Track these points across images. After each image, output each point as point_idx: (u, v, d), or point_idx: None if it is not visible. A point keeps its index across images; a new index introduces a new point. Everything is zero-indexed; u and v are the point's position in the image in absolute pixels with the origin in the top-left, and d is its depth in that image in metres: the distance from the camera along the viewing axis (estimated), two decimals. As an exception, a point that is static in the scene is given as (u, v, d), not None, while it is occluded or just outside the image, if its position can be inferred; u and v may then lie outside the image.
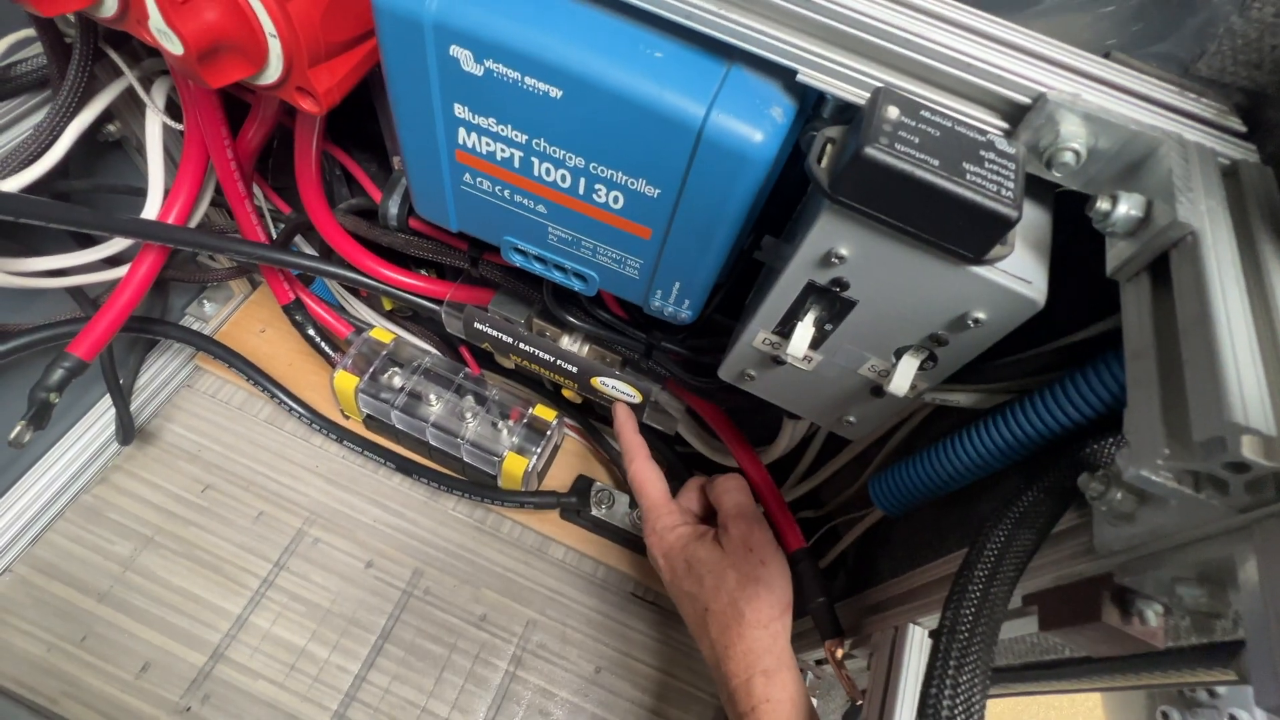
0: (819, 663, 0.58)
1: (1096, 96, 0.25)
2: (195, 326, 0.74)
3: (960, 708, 0.23)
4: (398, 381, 0.66)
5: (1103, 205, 0.24)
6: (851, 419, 0.39)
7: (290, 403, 0.69)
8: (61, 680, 0.58)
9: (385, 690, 0.62)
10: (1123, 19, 0.26)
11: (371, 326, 0.69)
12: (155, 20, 0.30)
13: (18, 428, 0.45)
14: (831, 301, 0.32)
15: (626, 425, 0.56)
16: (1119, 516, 0.24)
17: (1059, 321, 0.31)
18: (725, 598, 0.44)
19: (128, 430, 0.63)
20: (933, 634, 0.27)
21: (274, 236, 0.60)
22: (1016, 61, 0.26)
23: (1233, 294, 0.20)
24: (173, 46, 0.31)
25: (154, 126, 0.51)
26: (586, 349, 0.56)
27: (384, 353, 0.67)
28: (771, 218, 0.38)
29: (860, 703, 0.41)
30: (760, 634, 0.42)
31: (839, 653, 0.44)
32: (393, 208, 0.51)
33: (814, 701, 0.46)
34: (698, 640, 0.46)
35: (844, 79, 0.28)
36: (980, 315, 0.28)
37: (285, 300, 0.64)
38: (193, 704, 0.59)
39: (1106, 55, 0.27)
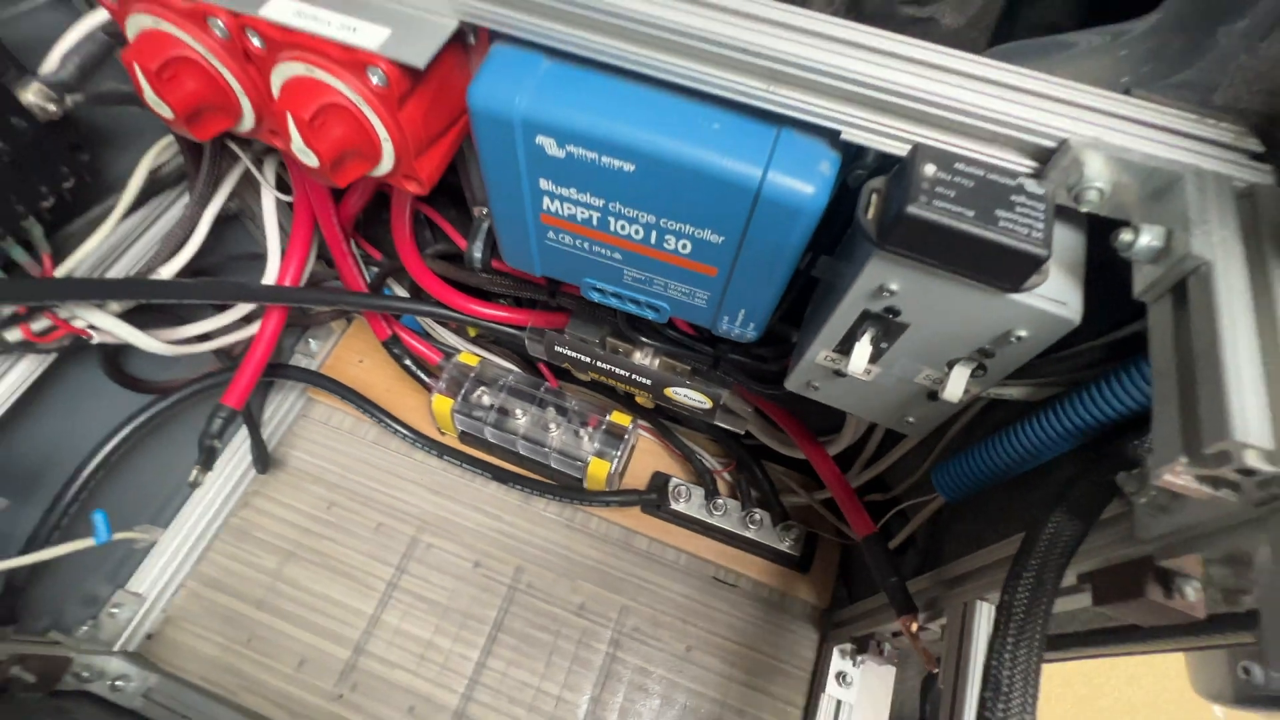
0: (896, 635, 0.62)
1: (1117, 136, 0.28)
2: (304, 363, 0.83)
3: (1019, 678, 0.27)
4: (487, 400, 0.73)
5: (1126, 236, 0.28)
6: (911, 419, 0.43)
7: (394, 425, 0.77)
8: (237, 676, 0.69)
9: (503, 674, 0.70)
10: (1138, 59, 0.29)
11: (458, 351, 0.76)
12: (296, 143, 0.37)
13: (194, 471, 0.54)
14: (886, 325, 0.36)
15: None
16: (1156, 509, 0.27)
17: (1102, 320, 0.34)
18: None
19: (264, 460, 0.73)
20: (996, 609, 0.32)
21: (369, 281, 0.67)
22: (1040, 109, 0.29)
23: (1242, 320, 0.23)
24: (310, 161, 0.38)
25: (269, 201, 0.58)
26: (658, 362, 0.61)
27: (472, 374, 0.74)
28: (825, 239, 0.42)
29: (936, 671, 0.45)
30: None
31: (914, 626, 0.49)
32: (477, 252, 0.57)
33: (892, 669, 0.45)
34: None
35: (883, 135, 0.32)
36: (1022, 333, 0.32)
37: (384, 336, 0.72)
38: (344, 691, 0.69)
39: (1127, 92, 0.30)
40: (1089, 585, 0.32)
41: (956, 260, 0.29)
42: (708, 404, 0.60)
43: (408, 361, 0.74)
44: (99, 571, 0.67)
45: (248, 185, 0.62)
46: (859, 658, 0.66)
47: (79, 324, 0.48)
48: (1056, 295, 0.31)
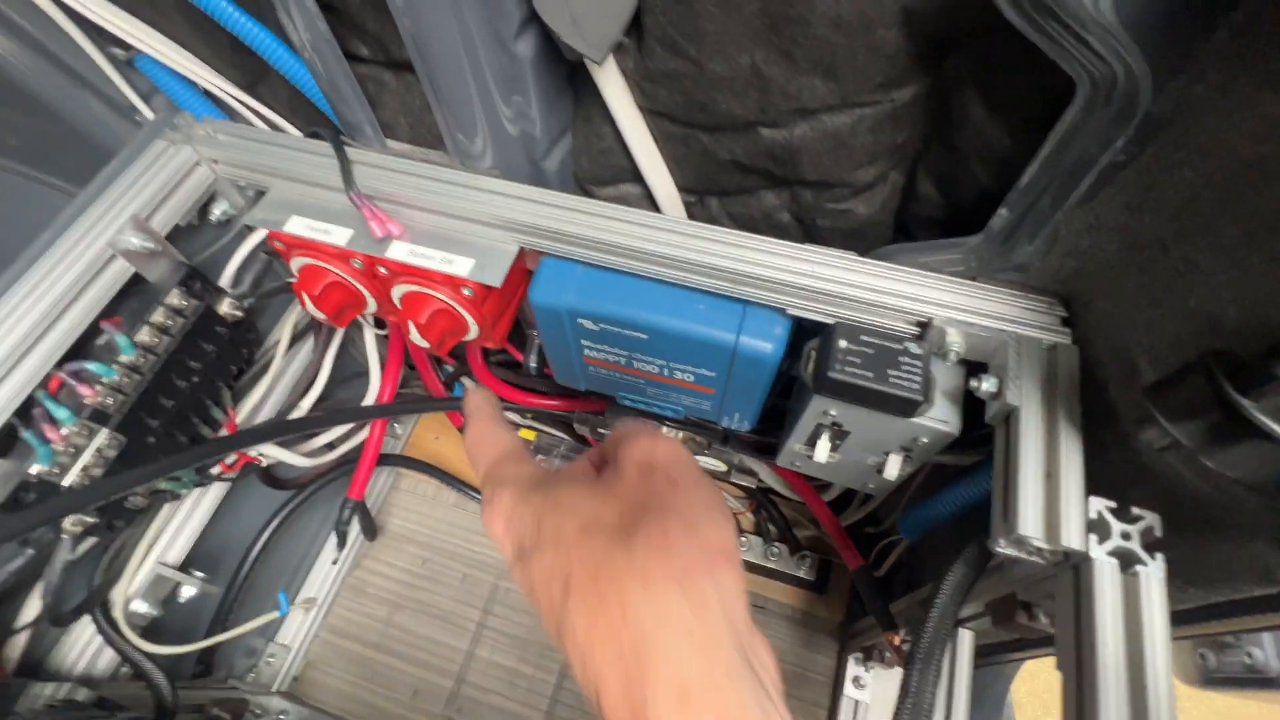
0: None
1: (965, 315, 0.43)
2: (392, 444, 1.01)
3: (927, 685, 0.41)
4: (544, 465, 0.89)
5: (974, 382, 0.42)
6: (871, 485, 0.57)
7: (471, 492, 0.94)
8: (366, 706, 0.86)
9: (577, 693, 0.85)
10: (977, 256, 0.43)
11: (519, 428, 0.93)
12: (414, 336, 0.53)
13: (336, 553, 0.71)
14: (835, 430, 0.50)
15: (472, 394, 0.38)
16: (1010, 563, 0.41)
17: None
18: (598, 546, 0.23)
19: (372, 530, 0.90)
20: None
21: (444, 380, 0.84)
22: (916, 296, 0.44)
23: (1033, 450, 0.37)
24: (423, 344, 0.54)
25: (370, 336, 0.76)
26: (680, 435, 0.76)
27: (530, 446, 0.91)
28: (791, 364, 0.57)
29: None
30: (668, 602, 0.22)
31: (896, 640, 0.62)
32: (532, 363, 0.73)
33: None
34: (574, 675, 0.23)
35: (814, 311, 0.46)
36: (924, 440, 0.46)
37: (459, 424, 0.89)
38: (452, 715, 0.85)
39: (974, 278, 0.44)
40: (988, 608, 0.46)
41: (868, 402, 0.44)
42: (724, 468, 0.75)
43: (479, 441, 0.91)
44: (256, 629, 0.85)
45: (352, 324, 0.79)
46: (868, 664, 0.79)
47: (253, 454, 0.66)
48: (941, 416, 0.45)
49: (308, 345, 0.75)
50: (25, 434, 0.46)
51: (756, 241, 0.47)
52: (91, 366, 0.48)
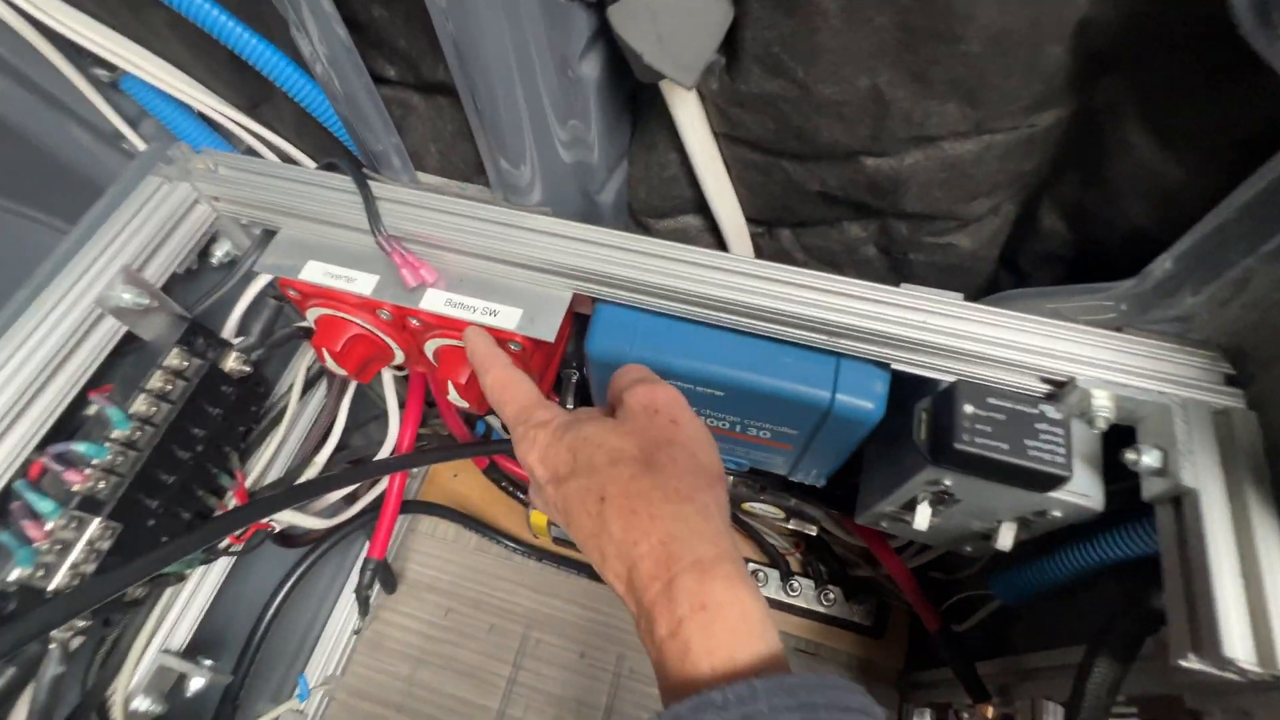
0: (970, 706, 0.69)
1: (1115, 374, 0.36)
2: (409, 483, 0.94)
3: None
4: (577, 510, 0.82)
5: (1130, 455, 0.35)
6: (969, 549, 0.51)
7: (499, 538, 0.87)
8: (390, 776, 0.79)
9: (619, 755, 0.79)
10: (1123, 304, 0.37)
11: (546, 467, 0.86)
12: (453, 396, 0.46)
13: (357, 621, 0.64)
14: (941, 497, 0.44)
15: (476, 339, 0.43)
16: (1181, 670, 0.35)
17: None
18: (626, 472, 0.30)
19: (391, 582, 0.83)
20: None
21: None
22: (1051, 351, 0.37)
23: (1225, 547, 0.31)
24: (462, 405, 0.47)
25: (388, 378, 0.69)
26: (732, 479, 0.70)
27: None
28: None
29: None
30: (685, 510, 0.29)
31: (990, 713, 0.56)
32: (569, 405, 0.66)
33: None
34: (601, 564, 0.30)
35: (923, 366, 0.40)
36: (1056, 514, 0.40)
37: (483, 466, 0.82)
38: (484, 783, 0.78)
39: (1119, 329, 0.38)
40: (1136, 705, 0.40)
41: (1000, 476, 0.37)
42: (781, 514, 0.69)
43: (504, 483, 0.84)
44: (267, 695, 0.78)
45: (365, 362, 0.72)
46: (940, 723, 0.73)
47: (264, 520, 0.59)
48: (1082, 490, 0.38)
49: (319, 392, 0.68)
50: (2, 535, 0.39)
51: (851, 286, 0.40)
52: (79, 448, 0.41)
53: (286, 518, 0.60)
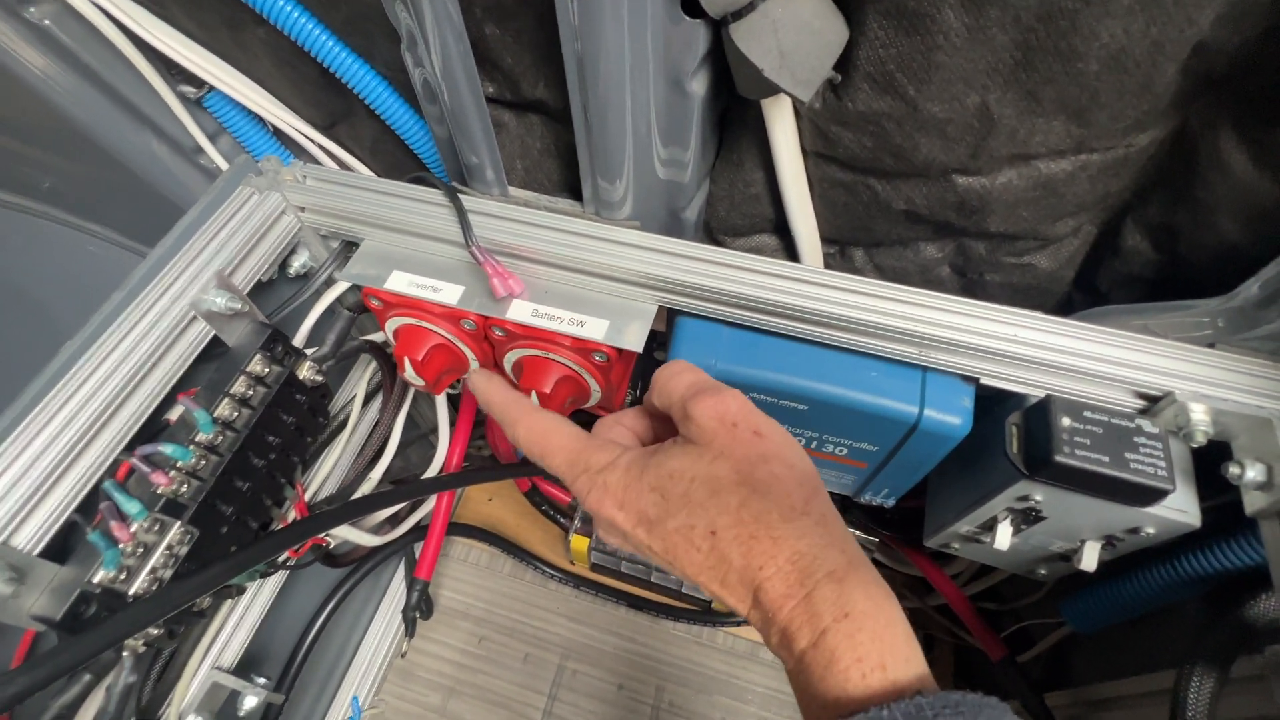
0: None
1: (1213, 389, 0.37)
2: (442, 506, 0.93)
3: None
4: (618, 535, 0.82)
5: (1234, 470, 0.36)
6: (1043, 571, 0.50)
7: (537, 563, 0.86)
8: (420, 812, 0.76)
9: (660, 793, 0.76)
10: (1220, 319, 0.38)
11: (586, 491, 0.85)
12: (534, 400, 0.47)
13: (403, 644, 0.63)
14: (1025, 515, 0.44)
15: (489, 385, 0.41)
16: (1292, 687, 0.34)
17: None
18: (733, 500, 0.28)
19: (428, 608, 0.81)
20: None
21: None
22: (1145, 365, 0.38)
23: (1344, 557, 0.31)
24: (541, 416, 0.47)
25: (441, 397, 0.69)
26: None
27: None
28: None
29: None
30: (804, 525, 0.28)
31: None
32: (623, 426, 0.66)
33: None
34: (720, 591, 0.29)
35: (1014, 380, 0.40)
36: (1150, 530, 0.40)
37: (525, 489, 0.81)
38: (519, 821, 0.75)
39: (1212, 345, 0.38)
40: (1236, 733, 0.39)
41: (1100, 489, 0.38)
42: (834, 539, 0.68)
43: (545, 506, 0.83)
44: (299, 718, 0.75)
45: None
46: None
47: (321, 536, 0.58)
48: (1179, 504, 0.38)
49: (374, 406, 0.67)
50: (91, 534, 0.38)
51: (940, 299, 0.41)
52: (167, 449, 0.41)
53: (343, 533, 0.60)
